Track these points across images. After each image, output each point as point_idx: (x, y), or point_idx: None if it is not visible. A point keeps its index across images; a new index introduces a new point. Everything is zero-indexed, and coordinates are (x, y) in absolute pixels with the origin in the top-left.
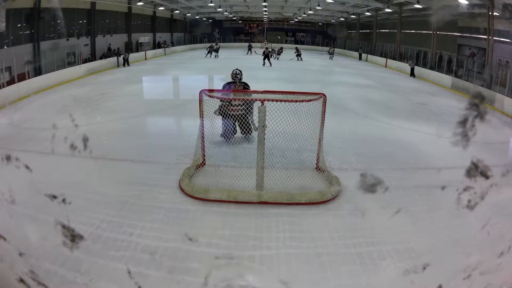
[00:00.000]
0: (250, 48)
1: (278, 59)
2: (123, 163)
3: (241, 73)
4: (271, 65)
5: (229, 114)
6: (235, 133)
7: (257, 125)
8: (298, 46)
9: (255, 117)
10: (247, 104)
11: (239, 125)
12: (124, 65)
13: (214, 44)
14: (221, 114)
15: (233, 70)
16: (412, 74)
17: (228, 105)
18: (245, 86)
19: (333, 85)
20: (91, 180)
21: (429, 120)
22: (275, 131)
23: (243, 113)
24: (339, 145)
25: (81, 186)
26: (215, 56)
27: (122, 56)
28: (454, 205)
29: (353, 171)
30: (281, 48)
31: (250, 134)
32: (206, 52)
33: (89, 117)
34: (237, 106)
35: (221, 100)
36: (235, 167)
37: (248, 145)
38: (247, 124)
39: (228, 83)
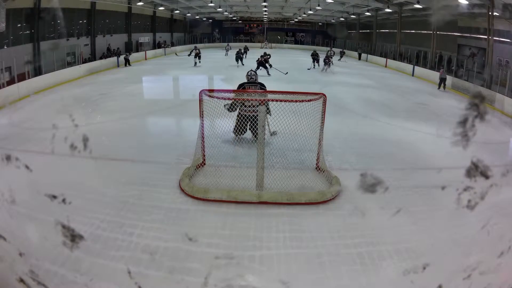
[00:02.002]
0: (246, 51)
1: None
2: (123, 163)
3: (256, 75)
4: (269, 74)
5: (243, 115)
6: (245, 131)
7: (271, 130)
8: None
9: (269, 120)
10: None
11: (250, 128)
12: (125, 65)
13: (194, 48)
14: (233, 110)
15: (248, 72)
16: (441, 85)
17: (241, 106)
18: (262, 87)
19: (333, 85)
20: (91, 180)
21: (429, 120)
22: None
23: (257, 115)
24: (339, 145)
25: (81, 186)
26: (196, 63)
27: (123, 56)
28: (454, 205)
29: (353, 171)
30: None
31: None
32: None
33: (89, 117)
34: (251, 107)
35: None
36: (235, 167)
37: (248, 145)
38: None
39: (244, 83)
